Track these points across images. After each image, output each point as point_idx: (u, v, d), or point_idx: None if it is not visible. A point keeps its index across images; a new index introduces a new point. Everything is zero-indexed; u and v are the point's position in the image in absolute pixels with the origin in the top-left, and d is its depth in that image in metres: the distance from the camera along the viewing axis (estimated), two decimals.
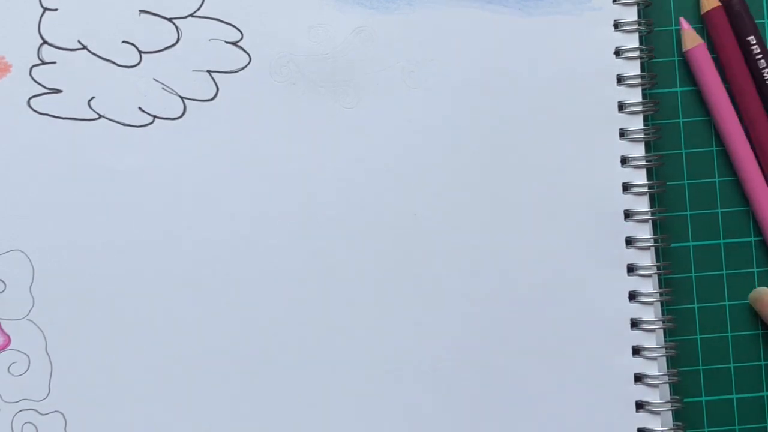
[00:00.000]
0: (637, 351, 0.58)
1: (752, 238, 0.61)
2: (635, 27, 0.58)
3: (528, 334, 0.58)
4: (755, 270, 0.61)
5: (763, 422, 0.61)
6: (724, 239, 0.61)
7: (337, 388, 0.58)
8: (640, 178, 0.58)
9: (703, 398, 0.61)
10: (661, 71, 0.61)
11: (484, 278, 0.58)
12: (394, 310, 0.58)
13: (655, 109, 0.59)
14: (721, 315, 0.61)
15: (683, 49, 0.60)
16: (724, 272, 0.61)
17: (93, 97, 0.58)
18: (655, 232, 0.59)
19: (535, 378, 0.58)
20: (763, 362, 0.61)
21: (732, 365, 0.61)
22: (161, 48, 0.58)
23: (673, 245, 0.61)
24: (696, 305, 0.61)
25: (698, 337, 0.61)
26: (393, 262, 0.58)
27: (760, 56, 0.60)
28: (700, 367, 0.61)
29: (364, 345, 0.58)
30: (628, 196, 0.58)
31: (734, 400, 0.61)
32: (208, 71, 0.58)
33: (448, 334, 0.58)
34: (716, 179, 0.61)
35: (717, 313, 0.61)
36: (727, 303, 0.61)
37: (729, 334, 0.61)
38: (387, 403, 0.58)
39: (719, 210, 0.61)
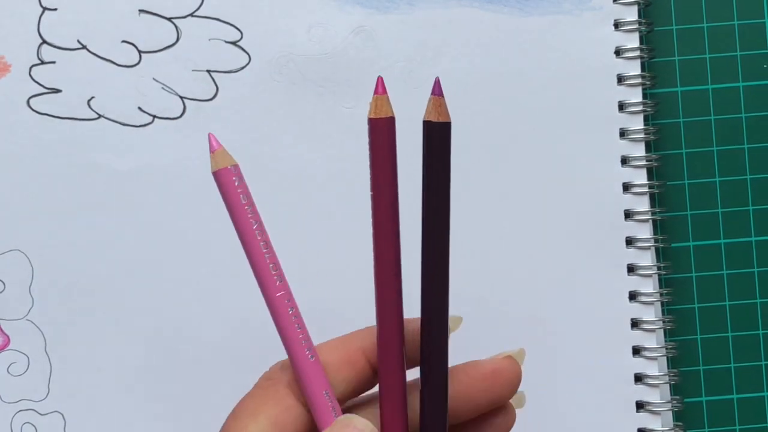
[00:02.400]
0: (637, 351, 0.58)
1: (752, 238, 0.61)
2: (635, 27, 0.58)
3: (528, 334, 0.58)
4: (755, 270, 0.61)
5: (764, 423, 0.61)
6: (724, 239, 0.61)
7: None
8: (640, 177, 0.58)
9: (704, 398, 0.61)
10: (661, 71, 0.61)
11: (484, 277, 0.58)
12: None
13: (655, 109, 0.59)
14: (722, 315, 0.61)
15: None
16: (724, 272, 0.61)
17: (92, 97, 0.58)
18: (655, 232, 0.59)
19: (536, 378, 0.58)
20: (763, 362, 0.61)
21: (732, 365, 0.61)
22: (161, 48, 0.58)
23: (673, 245, 0.61)
24: (696, 305, 0.61)
25: (698, 337, 0.61)
26: None
27: None
28: (701, 368, 0.61)
29: None
30: (628, 196, 0.58)
31: (734, 400, 0.61)
32: (208, 71, 0.58)
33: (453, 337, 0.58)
34: (716, 179, 0.61)
35: (717, 314, 0.61)
36: (727, 303, 0.61)
37: (729, 334, 0.61)
38: None
39: (719, 210, 0.61)
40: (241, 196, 0.42)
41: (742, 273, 0.61)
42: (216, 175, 0.41)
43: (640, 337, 0.58)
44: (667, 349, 0.58)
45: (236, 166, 0.41)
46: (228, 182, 0.41)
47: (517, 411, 0.58)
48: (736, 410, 0.61)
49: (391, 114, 0.42)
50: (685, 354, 0.61)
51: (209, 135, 0.40)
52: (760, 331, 0.61)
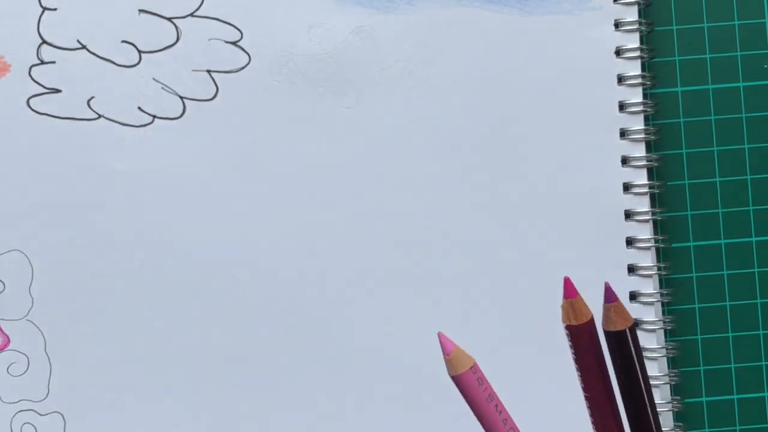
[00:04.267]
0: None
1: (753, 239, 0.61)
2: (636, 27, 0.58)
3: (528, 334, 0.58)
4: (756, 270, 0.61)
5: (764, 423, 0.61)
6: (724, 239, 0.61)
7: (337, 387, 0.58)
8: (640, 178, 0.58)
9: (704, 399, 0.61)
10: (661, 71, 0.61)
11: (485, 278, 0.58)
12: (393, 310, 0.58)
13: (655, 109, 0.58)
14: (722, 315, 0.61)
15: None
16: (724, 272, 0.61)
17: (92, 97, 0.58)
18: (655, 232, 0.59)
19: (536, 377, 0.58)
20: (763, 362, 0.61)
21: (733, 366, 0.61)
22: (161, 48, 0.58)
23: (673, 245, 0.61)
24: (696, 305, 0.61)
25: (699, 337, 0.61)
26: (393, 262, 0.58)
27: None
28: (701, 368, 0.61)
29: (364, 343, 0.58)
30: (629, 196, 0.58)
31: (735, 400, 0.61)
32: (208, 71, 0.58)
33: (447, 333, 0.58)
34: (716, 179, 0.61)
35: (717, 314, 0.61)
36: (727, 303, 0.61)
37: (730, 334, 0.61)
38: (386, 401, 0.58)
39: (719, 210, 0.61)
40: (487, 395, 0.39)
41: (742, 273, 0.61)
42: (457, 379, 0.39)
43: (640, 338, 0.58)
44: (667, 349, 0.58)
45: (476, 365, 0.39)
46: (471, 385, 0.39)
47: (517, 409, 0.58)
48: (737, 411, 0.61)
49: (590, 315, 0.39)
50: (686, 354, 0.61)
51: (440, 335, 0.38)
52: (761, 332, 0.61)
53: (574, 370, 0.57)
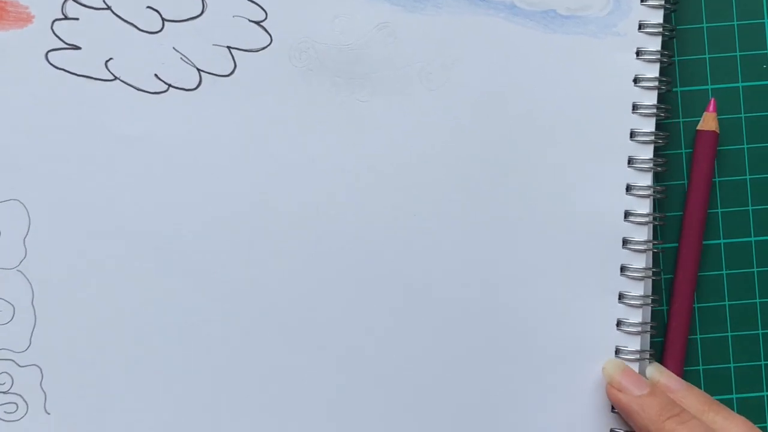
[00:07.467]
0: None
1: (752, 239, 0.61)
2: (656, 57, 0.58)
3: (528, 333, 0.58)
4: (755, 270, 0.61)
5: (764, 423, 0.61)
6: (723, 239, 0.61)
7: (336, 387, 0.59)
8: (642, 207, 0.58)
9: None
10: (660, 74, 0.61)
11: (484, 277, 0.58)
12: (386, 310, 0.58)
13: (665, 141, 0.59)
14: (721, 315, 0.61)
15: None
16: (723, 272, 0.61)
17: (111, 58, 0.58)
18: (655, 236, 0.59)
19: (535, 377, 0.58)
20: (762, 362, 0.61)
21: (732, 365, 0.61)
22: (185, 18, 0.58)
23: (672, 245, 0.61)
24: (696, 305, 0.61)
25: (698, 337, 0.61)
26: (387, 259, 0.58)
27: None
28: (700, 367, 0.61)
29: (364, 341, 0.58)
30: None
31: (734, 400, 0.61)
32: (228, 47, 0.58)
33: (445, 337, 0.58)
34: (716, 179, 0.61)
35: (717, 313, 0.61)
36: (726, 303, 0.61)
37: (729, 334, 0.61)
38: (386, 402, 0.58)
39: (719, 210, 0.61)
40: None
41: (741, 273, 0.61)
42: None
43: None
44: None
45: None
46: None
47: (516, 420, 0.58)
48: (736, 410, 0.59)
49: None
50: (686, 354, 0.60)
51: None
52: (760, 331, 0.61)
53: (568, 383, 0.57)
